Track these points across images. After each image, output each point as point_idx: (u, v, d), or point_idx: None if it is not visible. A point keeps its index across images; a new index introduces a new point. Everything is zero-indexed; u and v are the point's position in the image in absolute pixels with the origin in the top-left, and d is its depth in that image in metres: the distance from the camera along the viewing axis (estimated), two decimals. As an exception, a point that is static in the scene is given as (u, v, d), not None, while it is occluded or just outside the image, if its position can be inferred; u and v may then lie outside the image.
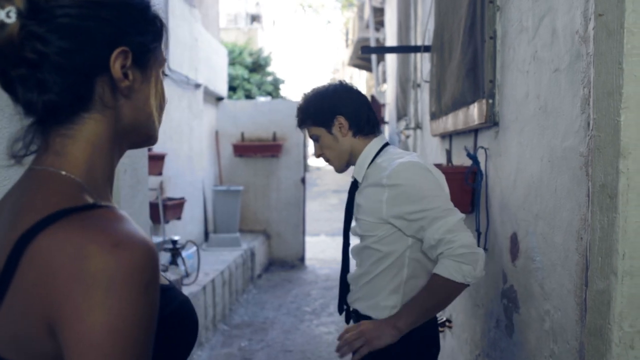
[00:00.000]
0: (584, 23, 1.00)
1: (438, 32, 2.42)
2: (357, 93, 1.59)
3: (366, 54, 2.63)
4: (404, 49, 3.34)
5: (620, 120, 0.87)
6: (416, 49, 2.82)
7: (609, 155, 0.89)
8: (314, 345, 3.87)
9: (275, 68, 14.58)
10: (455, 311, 2.24)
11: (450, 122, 2.13)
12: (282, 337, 4.03)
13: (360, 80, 21.10)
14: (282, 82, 14.78)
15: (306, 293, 5.26)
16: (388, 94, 6.00)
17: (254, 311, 4.66)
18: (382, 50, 3.72)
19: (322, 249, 7.52)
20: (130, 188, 2.54)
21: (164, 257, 3.79)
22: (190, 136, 5.06)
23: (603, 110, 0.91)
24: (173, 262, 3.54)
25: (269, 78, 13.85)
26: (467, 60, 1.82)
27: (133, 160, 2.56)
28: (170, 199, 4.18)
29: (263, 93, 12.90)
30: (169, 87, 4.58)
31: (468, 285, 1.28)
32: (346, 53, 17.26)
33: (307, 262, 6.62)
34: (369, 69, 11.64)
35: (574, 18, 1.05)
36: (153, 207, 3.79)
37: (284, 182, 6.50)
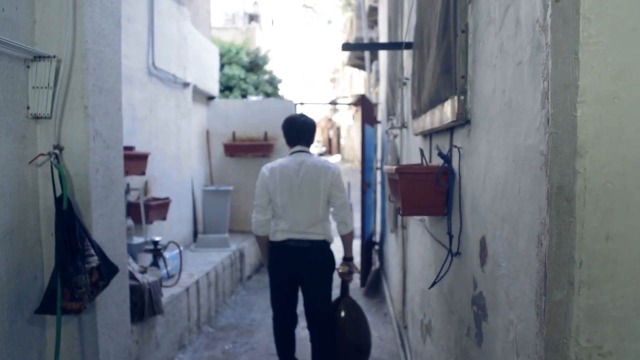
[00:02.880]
0: (543, 11, 0.92)
1: (418, 27, 2.34)
2: (292, 123, 2.92)
3: (347, 51, 2.58)
4: (384, 46, 3.26)
5: (576, 115, 0.79)
6: (397, 46, 2.75)
7: (566, 154, 0.82)
8: (298, 348, 3.78)
9: (273, 68, 14.50)
10: (434, 316, 2.16)
11: (428, 120, 2.05)
12: (268, 339, 3.96)
13: (359, 80, 21.01)
14: (280, 81, 14.69)
15: (296, 295, 5.20)
16: (380, 93, 5.92)
17: (241, 313, 4.59)
18: (362, 47, 3.65)
19: (315, 250, 7.44)
20: (103, 188, 2.46)
21: (146, 259, 3.72)
22: (178, 135, 5.00)
23: (560, 104, 0.84)
24: (154, 263, 3.47)
25: (267, 78, 13.77)
26: (441, 56, 1.74)
27: (105, 159, 2.48)
28: (155, 199, 4.11)
29: (260, 93, 12.83)
30: (154, 86, 4.56)
31: (258, 235, 2.88)
32: (345, 53, 17.17)
33: (299, 263, 6.56)
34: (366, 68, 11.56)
35: (535, 6, 0.97)
36: (135, 207, 3.72)
37: (275, 182, 6.43)
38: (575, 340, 0.81)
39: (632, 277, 0.79)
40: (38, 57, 2.16)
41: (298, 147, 2.88)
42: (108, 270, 2.34)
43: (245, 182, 6.44)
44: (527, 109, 1.02)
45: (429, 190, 1.72)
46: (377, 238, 6.18)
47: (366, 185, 5.13)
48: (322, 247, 2.84)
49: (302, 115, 2.96)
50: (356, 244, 6.30)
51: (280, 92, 14.83)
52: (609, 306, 0.80)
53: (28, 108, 2.17)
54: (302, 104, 7.00)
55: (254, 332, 4.11)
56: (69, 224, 2.17)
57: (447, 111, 1.67)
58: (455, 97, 1.55)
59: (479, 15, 1.41)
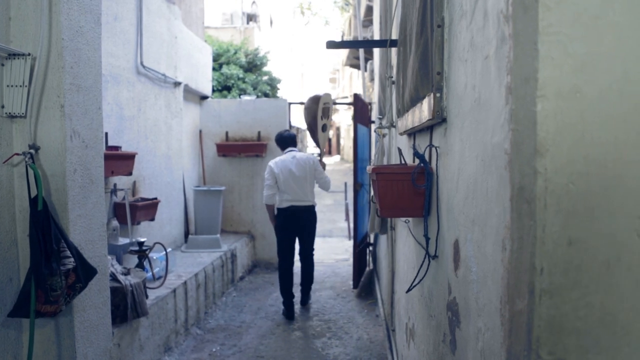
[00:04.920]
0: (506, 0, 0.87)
1: (402, 24, 2.28)
2: (280, 137, 4.75)
3: (331, 49, 2.53)
4: (369, 44, 3.21)
5: (536, 110, 0.73)
6: (382, 43, 2.69)
7: (526, 152, 0.76)
8: (287, 351, 3.73)
9: (272, 68, 14.44)
10: (416, 320, 2.11)
11: (410, 119, 2.00)
12: (256, 341, 3.90)
13: (358, 80, 20.94)
14: (279, 81, 14.63)
15: (287, 296, 5.13)
16: (375, 92, 5.87)
17: (231, 315, 4.53)
18: (347, 44, 3.60)
19: (310, 251, 7.36)
20: (81, 189, 2.41)
21: (132, 260, 3.66)
22: (168, 135, 4.94)
23: (520, 99, 0.78)
24: (139, 264, 3.42)
25: (265, 78, 13.71)
26: (419, 53, 1.68)
27: (84, 159, 2.43)
28: (142, 199, 4.05)
29: (259, 93, 12.77)
30: (143, 85, 4.50)
31: (266, 204, 4.53)
32: (344, 53, 17.11)
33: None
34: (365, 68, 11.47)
35: (500, -5, 0.91)
36: (122, 207, 3.67)
37: (269, 182, 6.36)
38: (537, 353, 0.75)
39: (596, 285, 0.74)
40: (12, 55, 2.12)
41: (289, 148, 4.67)
42: (86, 272, 2.29)
43: (238, 182, 6.38)
44: (494, 105, 0.96)
45: (406, 191, 1.66)
46: (371, 239, 6.12)
47: (359, 186, 5.07)
48: (311, 209, 4.58)
49: (285, 131, 4.82)
50: (349, 245, 6.24)
51: (279, 92, 14.77)
52: (571, 316, 0.74)
53: (2, 107, 2.12)
54: (301, 103, 6.91)
55: (243, 334, 4.06)
56: (44, 225, 2.12)
57: (424, 109, 1.61)
58: (432, 95, 1.49)
59: (453, 9, 1.35)
